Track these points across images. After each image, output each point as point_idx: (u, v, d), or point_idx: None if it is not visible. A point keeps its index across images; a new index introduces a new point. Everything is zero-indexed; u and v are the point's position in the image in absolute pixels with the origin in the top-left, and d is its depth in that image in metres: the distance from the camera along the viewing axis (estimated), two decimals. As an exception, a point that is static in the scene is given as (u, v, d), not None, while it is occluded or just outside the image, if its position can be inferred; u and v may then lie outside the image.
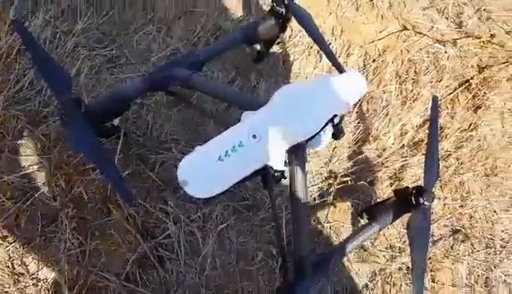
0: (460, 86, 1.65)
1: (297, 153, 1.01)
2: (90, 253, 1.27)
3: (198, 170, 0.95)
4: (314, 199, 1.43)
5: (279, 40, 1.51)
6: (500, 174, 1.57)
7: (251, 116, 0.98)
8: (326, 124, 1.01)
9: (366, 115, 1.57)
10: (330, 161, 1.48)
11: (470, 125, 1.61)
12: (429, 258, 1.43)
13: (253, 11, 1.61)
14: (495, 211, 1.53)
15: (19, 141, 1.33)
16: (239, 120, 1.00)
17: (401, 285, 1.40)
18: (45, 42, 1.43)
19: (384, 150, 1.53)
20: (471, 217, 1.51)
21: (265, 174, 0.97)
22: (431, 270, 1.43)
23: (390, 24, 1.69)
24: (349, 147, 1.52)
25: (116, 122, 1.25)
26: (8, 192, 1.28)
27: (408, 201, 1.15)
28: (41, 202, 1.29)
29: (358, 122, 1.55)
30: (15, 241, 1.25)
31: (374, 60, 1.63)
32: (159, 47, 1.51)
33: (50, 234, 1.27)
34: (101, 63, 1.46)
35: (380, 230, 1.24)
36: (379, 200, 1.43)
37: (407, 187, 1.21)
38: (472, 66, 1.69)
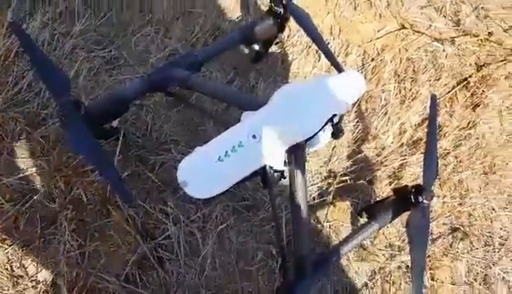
0: (458, 84, 1.66)
1: (296, 153, 1.02)
2: (89, 255, 1.27)
3: (198, 170, 0.95)
4: (314, 199, 1.43)
5: (277, 40, 1.51)
6: (498, 172, 1.57)
7: (251, 116, 0.99)
8: (326, 124, 1.01)
9: (365, 114, 1.57)
10: (330, 160, 1.49)
11: (469, 123, 1.61)
12: (428, 256, 1.43)
13: (252, 12, 1.61)
14: (493, 209, 1.54)
15: (17, 143, 1.33)
16: (238, 120, 1.00)
17: (400, 283, 1.40)
18: (43, 44, 1.43)
19: (383, 149, 1.53)
20: (470, 215, 1.52)
21: (265, 174, 0.97)
22: (430, 268, 1.43)
23: (388, 23, 1.70)
24: (348, 146, 1.52)
25: (115, 123, 1.25)
26: (7, 194, 1.28)
27: (407, 199, 1.16)
28: (40, 204, 1.29)
29: (357, 122, 1.55)
30: (14, 243, 1.25)
31: (372, 59, 1.63)
32: (158, 48, 1.51)
33: (49, 236, 1.27)
34: (100, 64, 1.46)
35: (380, 229, 1.25)
36: (378, 199, 1.43)
37: (406, 186, 1.21)
38: (470, 64, 1.69)
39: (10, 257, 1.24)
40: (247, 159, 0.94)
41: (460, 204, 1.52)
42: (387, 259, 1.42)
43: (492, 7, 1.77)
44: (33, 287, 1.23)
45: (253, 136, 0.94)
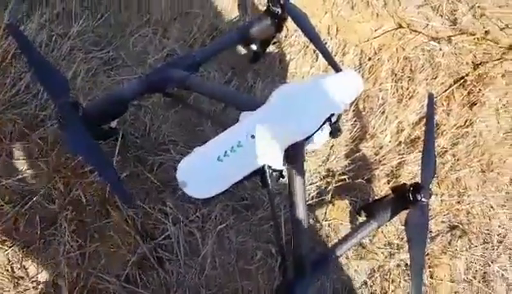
0: (455, 83, 1.67)
1: (295, 153, 1.02)
2: (90, 255, 1.27)
3: (197, 171, 0.95)
4: (312, 198, 1.43)
5: (275, 40, 1.51)
6: (496, 169, 1.58)
7: (249, 116, 0.99)
8: (324, 123, 1.01)
9: (363, 113, 1.58)
10: (328, 159, 1.49)
11: (466, 121, 1.62)
12: (427, 254, 1.44)
13: (249, 12, 1.61)
14: (491, 207, 1.54)
15: (16, 145, 1.33)
16: (237, 120, 1.00)
17: (399, 281, 1.40)
18: (41, 46, 1.43)
19: (381, 148, 1.54)
20: (468, 213, 1.53)
21: (263, 173, 0.97)
22: (429, 266, 1.44)
23: (385, 23, 1.70)
24: (346, 145, 1.52)
25: (114, 124, 1.26)
26: (6, 196, 1.28)
27: (406, 198, 1.16)
28: (39, 206, 1.29)
29: (355, 121, 1.56)
30: (14, 245, 1.25)
31: (369, 59, 1.64)
32: (156, 49, 1.51)
33: (49, 237, 1.27)
34: (98, 65, 1.46)
35: (378, 227, 1.25)
36: (376, 197, 1.44)
37: (404, 184, 1.22)
38: (467, 63, 1.70)
39: (10, 258, 1.25)
40: (246, 159, 0.95)
41: (459, 202, 1.53)
42: (386, 257, 1.42)
43: (489, 6, 1.78)
44: (33, 287, 1.23)
45: (252, 136, 0.94)
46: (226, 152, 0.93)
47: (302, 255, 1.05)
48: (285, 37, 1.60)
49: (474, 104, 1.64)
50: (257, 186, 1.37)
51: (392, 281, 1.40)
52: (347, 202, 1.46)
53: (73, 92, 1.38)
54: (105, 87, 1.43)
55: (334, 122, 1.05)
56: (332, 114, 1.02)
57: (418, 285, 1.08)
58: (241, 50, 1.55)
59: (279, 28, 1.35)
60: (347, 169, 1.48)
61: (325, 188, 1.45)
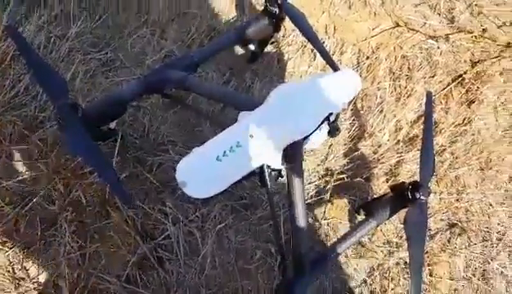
0: (453, 81, 1.67)
1: (294, 152, 1.02)
2: (90, 256, 1.27)
3: (196, 171, 0.96)
4: (311, 197, 1.44)
5: (273, 40, 1.52)
6: (494, 167, 1.58)
7: (248, 116, 0.99)
8: (322, 122, 1.02)
9: (361, 112, 1.58)
10: (327, 158, 1.50)
11: (464, 119, 1.62)
12: (427, 252, 1.44)
13: (247, 12, 1.61)
14: (490, 204, 1.55)
15: (16, 147, 1.34)
16: (235, 120, 1.01)
17: (399, 280, 1.41)
18: (39, 47, 1.44)
19: (380, 147, 1.54)
20: (467, 211, 1.53)
21: (262, 173, 0.98)
22: (428, 264, 1.44)
23: (383, 22, 1.70)
24: (345, 144, 1.53)
25: (113, 125, 1.26)
26: (7, 197, 1.29)
27: (404, 196, 1.16)
28: (40, 207, 1.29)
29: (353, 120, 1.56)
30: (14, 246, 1.26)
31: (367, 58, 1.64)
32: (154, 50, 1.51)
33: (49, 238, 1.28)
34: (96, 67, 1.46)
35: (377, 226, 1.25)
36: (375, 196, 1.44)
37: (403, 182, 1.22)
38: (465, 61, 1.70)
39: (11, 260, 1.25)
40: (245, 159, 0.95)
41: (457, 200, 1.53)
42: (385, 255, 1.43)
43: (486, 4, 1.78)
44: (34, 288, 1.24)
45: (251, 136, 0.94)
46: (225, 152, 0.93)
47: (301, 254, 1.06)
48: (283, 36, 1.60)
49: (472, 102, 1.64)
50: (256, 186, 1.38)
51: (392, 279, 1.41)
52: (346, 200, 1.46)
53: (72, 94, 1.38)
54: (104, 89, 1.43)
55: (333, 122, 1.05)
56: (330, 113, 1.02)
57: (417, 283, 1.08)
58: (239, 50, 1.55)
59: (277, 28, 1.35)
60: (345, 168, 1.48)
61: (324, 187, 1.45)
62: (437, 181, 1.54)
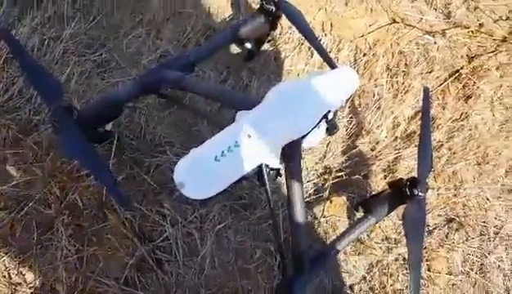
0: (450, 76, 1.67)
1: (292, 151, 1.02)
2: (88, 259, 1.26)
3: (194, 172, 0.95)
4: (310, 195, 1.43)
5: (269, 38, 1.51)
6: (491, 162, 1.59)
7: (245, 115, 0.99)
8: (320, 120, 1.01)
9: (359, 109, 1.58)
10: (325, 156, 1.49)
11: (461, 115, 1.62)
12: (425, 248, 1.45)
13: (243, 10, 1.60)
14: (487, 199, 1.55)
15: (10, 150, 1.32)
16: (232, 120, 1.00)
17: (398, 275, 1.41)
18: (33, 50, 1.42)
19: (377, 143, 1.54)
20: (464, 206, 1.53)
21: (261, 172, 0.97)
22: (427, 260, 1.45)
23: (379, 18, 1.70)
24: (343, 142, 1.52)
25: (109, 126, 1.25)
26: (2, 202, 1.28)
27: (403, 192, 1.16)
28: (35, 211, 1.28)
29: (351, 117, 1.56)
30: (11, 251, 1.25)
31: (364, 54, 1.64)
32: (149, 50, 1.50)
33: (46, 242, 1.27)
34: (91, 68, 1.45)
35: (376, 223, 1.26)
36: (374, 193, 1.44)
37: (401, 179, 1.22)
38: (461, 56, 1.70)
39: (7, 265, 1.24)
40: (243, 159, 0.94)
41: (455, 195, 1.53)
42: (384, 252, 1.43)
43: (482, -2, 1.78)
44: (32, 293, 1.23)
45: (249, 136, 0.94)
46: (223, 152, 0.93)
47: (300, 252, 1.06)
48: (280, 34, 1.59)
49: (469, 97, 1.65)
50: (254, 185, 1.37)
51: (391, 275, 1.41)
52: (344, 198, 1.46)
53: (67, 96, 1.37)
54: (100, 90, 1.42)
55: (331, 119, 1.05)
56: (328, 111, 1.02)
57: (416, 278, 1.08)
58: (236, 49, 1.54)
59: (273, 26, 1.35)
60: (344, 165, 1.48)
61: (323, 185, 1.45)
62: (434, 177, 1.54)
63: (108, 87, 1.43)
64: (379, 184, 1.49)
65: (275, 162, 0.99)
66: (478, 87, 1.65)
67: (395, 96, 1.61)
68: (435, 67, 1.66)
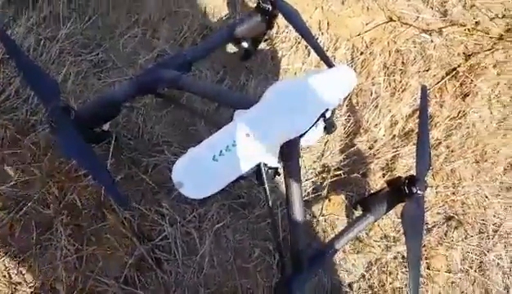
0: (447, 74, 1.67)
1: (290, 150, 1.02)
2: (87, 259, 1.26)
3: (192, 171, 0.95)
4: (308, 194, 1.44)
5: (266, 37, 1.51)
6: (489, 159, 1.59)
7: (243, 115, 0.99)
8: (318, 119, 1.01)
9: (356, 108, 1.58)
10: (323, 155, 1.49)
11: (459, 113, 1.63)
12: (424, 246, 1.45)
13: (239, 9, 1.60)
14: (486, 197, 1.55)
15: (8, 151, 1.32)
16: (229, 120, 1.00)
17: (397, 274, 1.41)
18: (29, 50, 1.42)
19: (376, 142, 1.54)
20: (463, 204, 1.54)
21: (259, 171, 0.97)
22: (426, 258, 1.45)
23: (376, 16, 1.70)
24: (341, 140, 1.53)
25: (106, 126, 1.25)
26: (0, 202, 1.28)
27: (401, 191, 1.17)
28: (34, 211, 1.28)
29: (349, 116, 1.56)
30: (10, 251, 1.25)
31: (361, 53, 1.64)
32: (146, 50, 1.50)
33: (45, 242, 1.27)
34: (88, 68, 1.44)
35: (375, 221, 1.26)
36: (372, 191, 1.44)
37: (400, 177, 1.22)
38: (458, 54, 1.70)
39: (7, 265, 1.24)
40: (241, 158, 0.94)
41: (454, 193, 1.54)
42: (383, 250, 1.43)
43: (478, -4, 1.78)
44: (32, 293, 1.23)
45: (247, 135, 0.94)
46: (221, 151, 0.93)
47: (299, 250, 1.06)
48: (276, 33, 1.59)
49: (467, 95, 1.65)
50: (253, 184, 1.37)
51: (390, 273, 1.41)
52: (343, 196, 1.46)
53: (63, 96, 1.36)
54: (96, 90, 1.42)
55: (329, 118, 1.05)
56: (326, 110, 1.02)
57: (415, 276, 1.08)
58: (233, 48, 1.54)
59: (270, 25, 1.35)
60: (342, 164, 1.48)
61: (321, 183, 1.45)
62: (433, 175, 1.54)
63: (105, 87, 1.43)
64: (377, 182, 1.49)
65: (273, 161, 0.99)
66: (475, 85, 1.65)
67: (392, 95, 1.61)
68: (432, 65, 1.66)
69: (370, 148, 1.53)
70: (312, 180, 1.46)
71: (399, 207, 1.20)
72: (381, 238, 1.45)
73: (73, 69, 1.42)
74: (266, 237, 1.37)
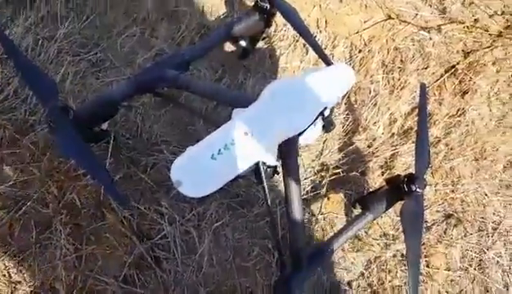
0: (446, 72, 1.67)
1: (289, 148, 1.02)
2: (86, 258, 1.27)
3: (191, 170, 0.95)
4: (307, 192, 1.44)
5: (264, 35, 1.51)
6: (489, 157, 1.59)
7: (242, 113, 0.99)
8: (317, 117, 1.01)
9: (355, 106, 1.58)
10: (322, 153, 1.49)
11: (458, 110, 1.62)
12: (423, 244, 1.45)
13: (237, 8, 1.60)
14: (486, 194, 1.55)
15: (7, 151, 1.32)
16: (228, 118, 1.00)
17: (396, 272, 1.41)
18: (27, 50, 1.42)
19: (374, 140, 1.54)
20: (463, 201, 1.53)
21: (258, 170, 0.97)
22: (425, 256, 1.45)
23: (374, 14, 1.70)
24: (340, 139, 1.53)
25: (105, 126, 1.25)
26: (0, 202, 1.27)
27: (400, 189, 1.16)
28: (34, 210, 1.28)
29: (347, 114, 1.56)
30: (10, 250, 1.25)
31: (360, 51, 1.64)
32: (144, 49, 1.50)
33: (45, 241, 1.27)
34: (86, 68, 1.44)
35: (374, 219, 1.26)
36: (371, 190, 1.44)
37: (399, 175, 1.22)
38: (457, 51, 1.70)
39: (7, 264, 1.25)
40: (240, 156, 0.94)
41: (453, 191, 1.53)
42: (382, 248, 1.43)
43: (477, -7, 1.78)
44: (31, 292, 1.24)
45: (245, 133, 0.94)
46: (219, 150, 0.93)
47: (298, 249, 1.06)
48: (274, 31, 1.59)
49: (466, 92, 1.65)
50: (251, 183, 1.37)
51: (389, 271, 1.41)
52: (341, 195, 1.46)
53: (62, 96, 1.36)
54: (95, 89, 1.42)
55: (327, 116, 1.05)
56: (325, 108, 1.02)
57: (415, 274, 1.08)
58: (231, 47, 1.54)
59: (268, 24, 1.34)
60: (340, 162, 1.48)
61: (320, 182, 1.45)
62: (432, 173, 1.54)
63: (103, 87, 1.43)
64: (376, 180, 1.49)
65: (271, 159, 0.99)
66: (474, 83, 1.65)
67: (391, 92, 1.61)
68: (431, 63, 1.66)
69: (368, 146, 1.53)
70: (311, 178, 1.46)
71: (398, 205, 1.19)
72: (380, 237, 1.45)
73: (71, 68, 1.42)
74: (265, 235, 1.37)
